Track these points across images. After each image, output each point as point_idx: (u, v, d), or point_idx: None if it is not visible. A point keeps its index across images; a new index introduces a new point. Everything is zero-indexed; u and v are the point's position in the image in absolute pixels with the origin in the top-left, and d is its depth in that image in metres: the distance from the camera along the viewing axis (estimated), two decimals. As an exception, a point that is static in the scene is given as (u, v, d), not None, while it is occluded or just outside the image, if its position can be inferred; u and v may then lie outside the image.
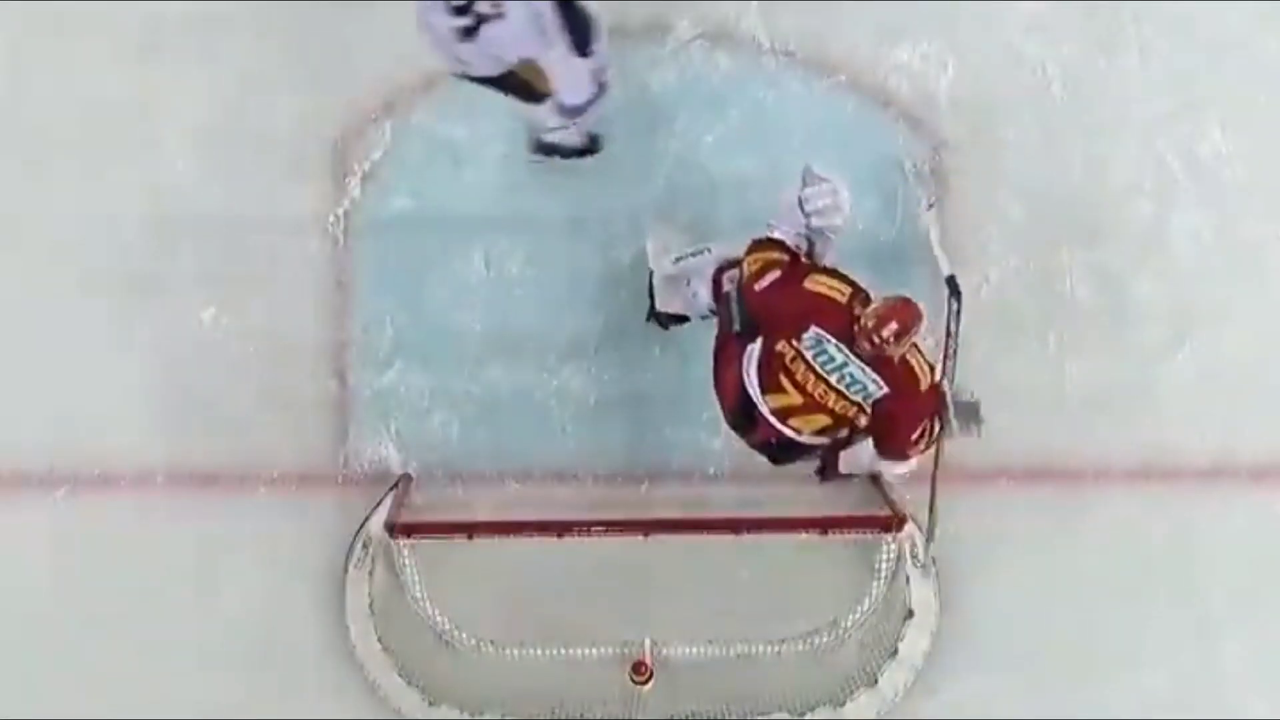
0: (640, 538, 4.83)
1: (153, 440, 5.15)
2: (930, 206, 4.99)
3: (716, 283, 4.64)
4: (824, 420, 4.42)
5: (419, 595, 5.07)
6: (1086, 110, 5.14)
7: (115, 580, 5.14)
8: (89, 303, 5.12)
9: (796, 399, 4.39)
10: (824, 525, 4.86)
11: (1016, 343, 5.14)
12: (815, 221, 4.55)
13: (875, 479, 5.11)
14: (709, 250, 4.77)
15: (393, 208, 5.15)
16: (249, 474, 5.17)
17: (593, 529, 4.80)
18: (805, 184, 4.57)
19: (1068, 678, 5.15)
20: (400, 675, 5.08)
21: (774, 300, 4.41)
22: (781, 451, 4.58)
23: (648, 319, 5.02)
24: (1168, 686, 5.16)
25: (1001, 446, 5.12)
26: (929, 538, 4.78)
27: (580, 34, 4.30)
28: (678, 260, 4.83)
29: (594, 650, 5.07)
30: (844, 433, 4.49)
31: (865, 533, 4.94)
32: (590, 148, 4.95)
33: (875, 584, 5.06)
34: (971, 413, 4.69)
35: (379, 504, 5.05)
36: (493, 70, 4.34)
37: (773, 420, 4.45)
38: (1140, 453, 5.16)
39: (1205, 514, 5.15)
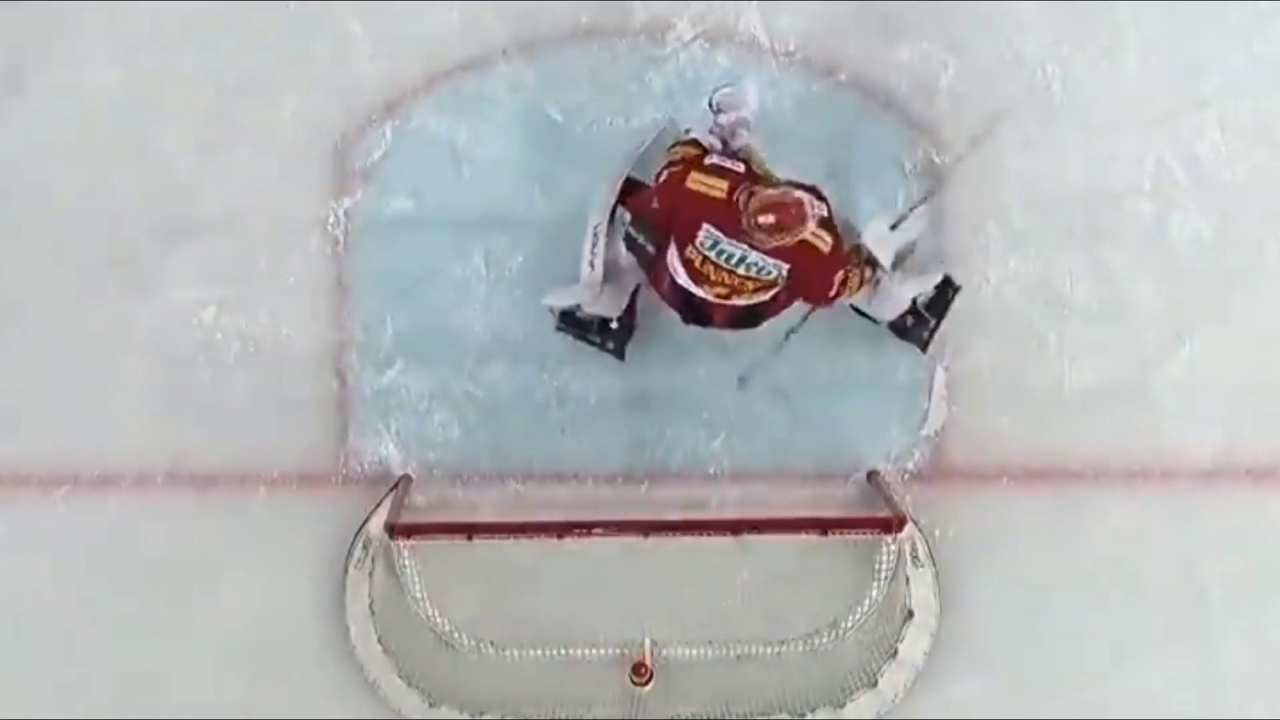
0: (640, 538, 4.84)
1: (153, 440, 5.15)
2: None
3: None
4: (761, 294, 4.45)
5: (419, 596, 5.07)
6: (1086, 110, 5.13)
7: (115, 580, 5.15)
8: (89, 303, 5.12)
9: (725, 288, 4.42)
10: (824, 526, 4.87)
11: (1016, 343, 5.14)
12: (723, 118, 4.64)
13: (874, 478, 5.12)
14: (604, 218, 4.75)
15: (393, 208, 5.14)
16: (249, 474, 5.16)
17: (593, 529, 4.80)
18: (714, 96, 4.70)
19: (1067, 678, 5.15)
20: (400, 676, 5.08)
21: (665, 199, 4.44)
22: (753, 318, 4.58)
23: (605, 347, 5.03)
24: (1167, 686, 5.16)
25: (1001, 446, 5.13)
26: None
27: None
28: (592, 260, 4.78)
29: (594, 651, 5.07)
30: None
31: (865, 533, 4.94)
32: None
33: (875, 585, 5.05)
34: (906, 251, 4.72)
35: (379, 505, 5.05)
36: None
37: (721, 302, 4.48)
38: (1140, 453, 5.16)
39: (1205, 514, 5.15)
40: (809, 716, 5.09)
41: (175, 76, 5.11)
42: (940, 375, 5.12)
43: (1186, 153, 5.15)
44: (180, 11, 5.08)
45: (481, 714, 5.10)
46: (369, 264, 5.14)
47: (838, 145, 5.12)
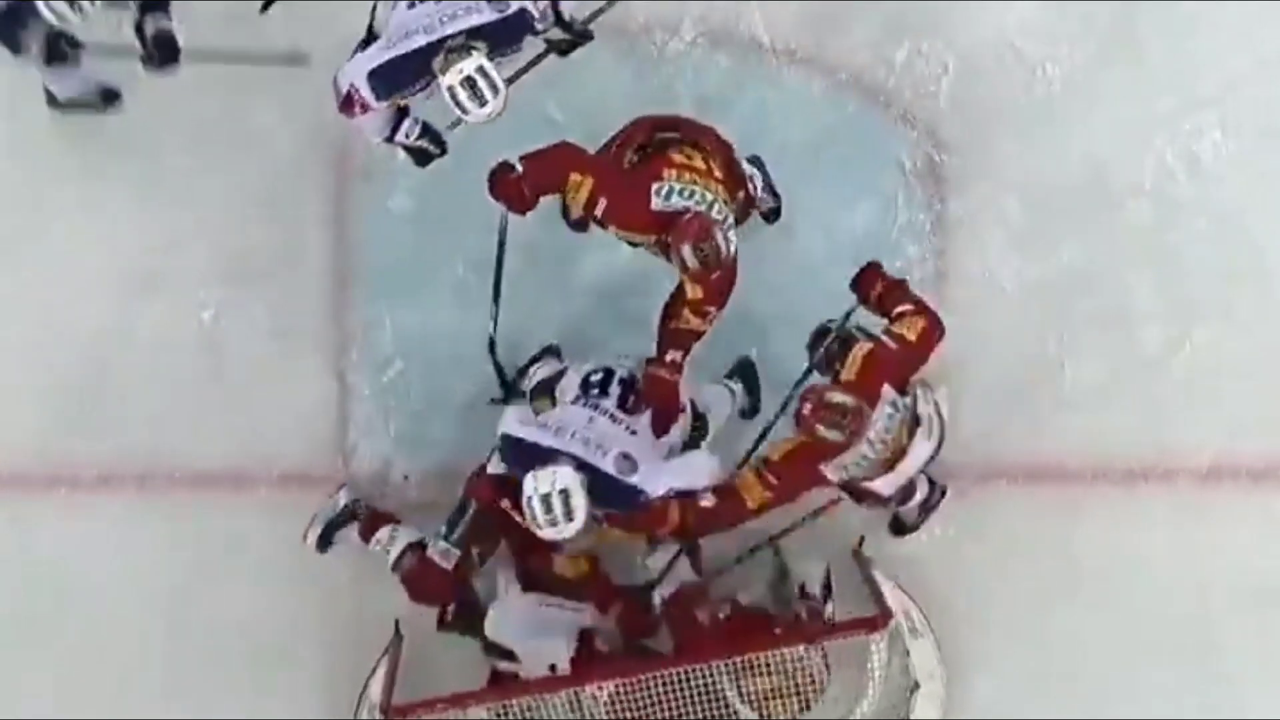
0: None
1: (152, 440, 5.15)
2: None
3: None
4: None
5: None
6: (1086, 110, 5.14)
7: (115, 580, 5.15)
8: (89, 303, 5.13)
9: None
10: (809, 637, 4.71)
11: (1016, 343, 5.14)
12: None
13: (860, 558, 5.02)
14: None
15: (393, 207, 5.15)
16: (249, 474, 5.17)
17: None
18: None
19: (1068, 678, 5.14)
20: (400, 676, 5.04)
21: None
22: None
23: None
24: (1168, 686, 5.15)
25: (1001, 446, 5.13)
26: None
27: None
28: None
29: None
30: None
31: (853, 636, 4.76)
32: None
33: (870, 685, 4.85)
34: None
35: (375, 669, 4.89)
36: None
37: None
38: (1140, 453, 5.16)
39: (1205, 514, 5.15)
40: (829, 790, 4.85)
41: (175, 76, 5.11)
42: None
43: (1186, 153, 5.15)
44: (180, 12, 5.08)
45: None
46: (370, 263, 5.15)
47: (838, 145, 5.12)
